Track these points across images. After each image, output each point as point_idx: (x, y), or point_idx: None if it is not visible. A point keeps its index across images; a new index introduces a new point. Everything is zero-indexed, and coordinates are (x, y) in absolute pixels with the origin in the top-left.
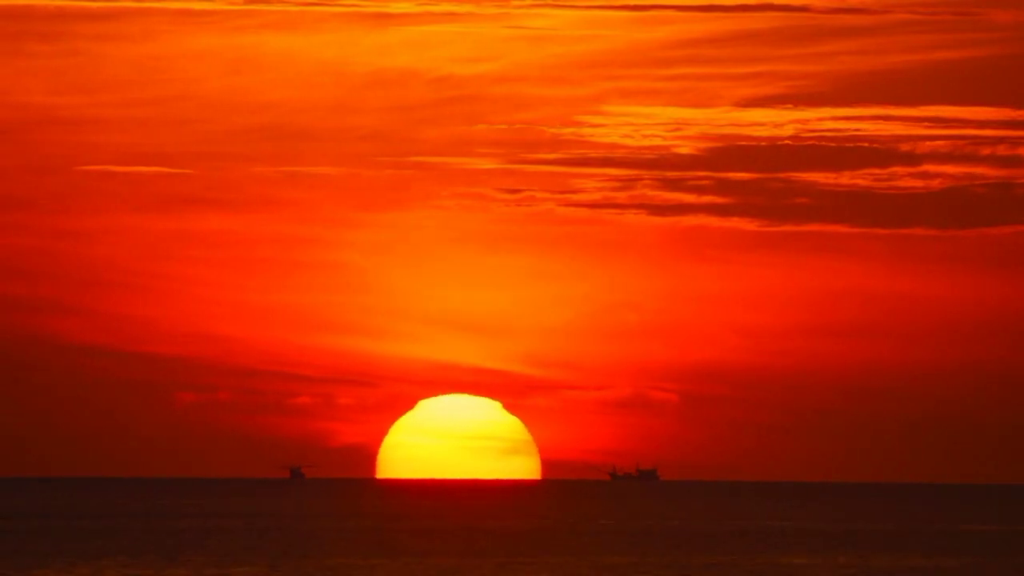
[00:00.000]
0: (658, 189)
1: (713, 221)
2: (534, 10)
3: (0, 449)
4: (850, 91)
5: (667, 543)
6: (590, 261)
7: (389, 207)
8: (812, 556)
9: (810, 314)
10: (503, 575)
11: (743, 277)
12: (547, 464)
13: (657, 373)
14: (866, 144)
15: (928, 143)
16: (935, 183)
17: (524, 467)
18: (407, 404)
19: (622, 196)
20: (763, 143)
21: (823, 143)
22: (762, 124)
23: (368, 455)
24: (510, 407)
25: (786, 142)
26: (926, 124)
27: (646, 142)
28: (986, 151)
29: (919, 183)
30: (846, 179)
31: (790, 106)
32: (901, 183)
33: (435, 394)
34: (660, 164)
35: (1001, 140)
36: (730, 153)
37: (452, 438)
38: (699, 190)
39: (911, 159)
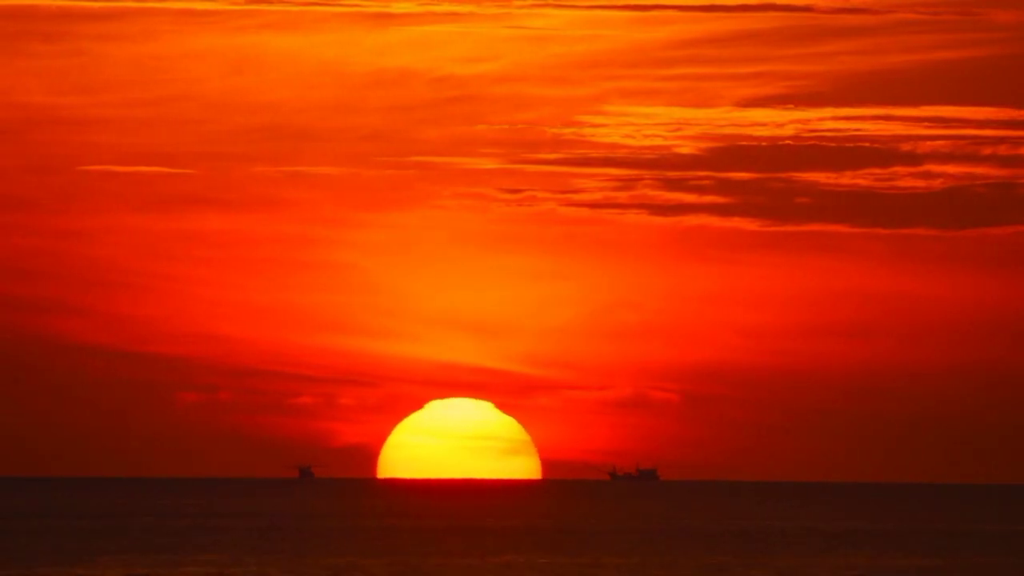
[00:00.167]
0: (659, 189)
1: (714, 221)
2: (535, 10)
3: (2, 449)
4: (851, 91)
5: (667, 543)
6: (591, 261)
7: (390, 207)
8: (812, 556)
9: (811, 314)
10: (503, 575)
11: (744, 277)
12: (547, 464)
13: (658, 373)
14: (867, 144)
15: (929, 143)
16: (936, 183)
17: (524, 467)
18: (408, 404)
19: (623, 196)
20: (764, 143)
21: (824, 143)
22: (763, 124)
23: (369, 455)
24: (511, 407)
25: (787, 142)
26: (927, 124)
27: (647, 142)
28: (987, 151)
29: (920, 183)
30: (847, 179)
31: (791, 106)
32: (902, 183)
33: (437, 393)
34: (661, 164)
35: (1002, 140)
36: (731, 153)
37: (453, 438)
38: (700, 190)
39: (912, 159)
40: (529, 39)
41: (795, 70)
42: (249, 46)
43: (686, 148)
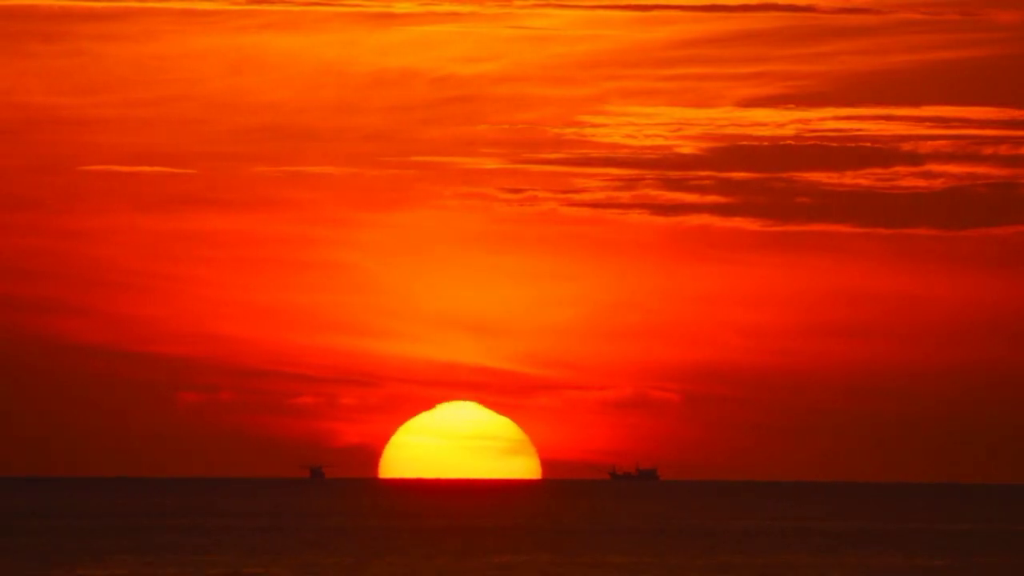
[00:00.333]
0: (660, 189)
1: (715, 221)
2: (536, 10)
3: (4, 449)
4: (852, 91)
5: (666, 543)
6: (592, 261)
7: (391, 207)
8: (812, 555)
9: (812, 314)
10: (503, 575)
11: (745, 277)
12: (548, 464)
13: (659, 373)
14: (868, 144)
15: (930, 143)
16: (937, 183)
17: (524, 467)
18: (409, 403)
19: (624, 196)
20: (765, 143)
21: (825, 143)
22: (764, 124)
23: (371, 455)
24: (511, 407)
25: (788, 142)
26: (928, 124)
27: (648, 142)
28: (988, 151)
29: (921, 183)
30: (848, 179)
31: (792, 106)
32: (903, 183)
33: (438, 393)
34: (662, 164)
35: (1003, 140)
36: (732, 153)
37: (454, 438)
38: (701, 190)
39: (913, 159)
40: (530, 39)
41: (796, 70)
42: (250, 46)
43: (687, 148)
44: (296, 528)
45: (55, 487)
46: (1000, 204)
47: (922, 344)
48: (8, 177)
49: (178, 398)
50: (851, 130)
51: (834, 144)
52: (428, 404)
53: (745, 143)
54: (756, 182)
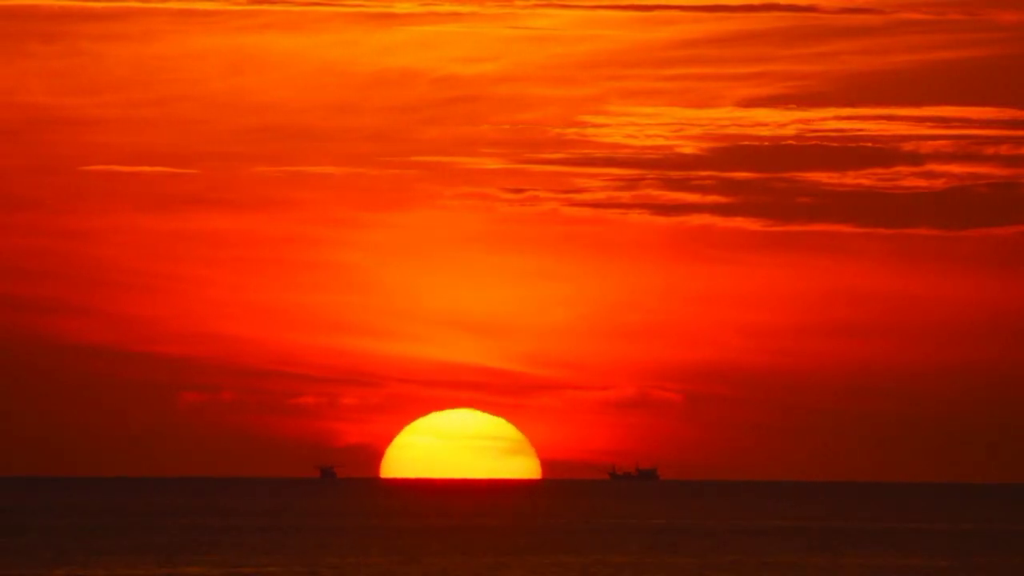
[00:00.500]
0: (661, 189)
1: (716, 221)
2: (537, 10)
3: (7, 448)
4: (853, 91)
5: (666, 542)
6: (593, 261)
7: (393, 207)
8: (812, 555)
9: (813, 314)
10: (502, 574)
11: (746, 277)
12: (549, 464)
13: (660, 373)
14: (869, 144)
15: (931, 143)
16: (939, 183)
17: (524, 467)
18: (410, 403)
19: (626, 196)
20: (766, 143)
21: (826, 143)
22: (765, 124)
23: (372, 455)
24: (513, 407)
25: (789, 142)
26: (929, 124)
27: (649, 142)
28: (989, 151)
29: (923, 183)
30: (850, 179)
31: (793, 106)
32: (905, 183)
33: (439, 393)
34: (663, 164)
35: (1004, 140)
36: (733, 153)
37: (455, 438)
38: (703, 190)
39: (914, 159)
40: (531, 39)
41: (797, 70)
42: (251, 46)
43: (688, 148)
44: (298, 528)
45: (56, 487)
46: (1001, 204)
47: (923, 344)
48: (9, 177)
49: (179, 398)
50: (852, 130)
51: (835, 144)
52: (429, 404)
53: (746, 143)
54: (757, 182)
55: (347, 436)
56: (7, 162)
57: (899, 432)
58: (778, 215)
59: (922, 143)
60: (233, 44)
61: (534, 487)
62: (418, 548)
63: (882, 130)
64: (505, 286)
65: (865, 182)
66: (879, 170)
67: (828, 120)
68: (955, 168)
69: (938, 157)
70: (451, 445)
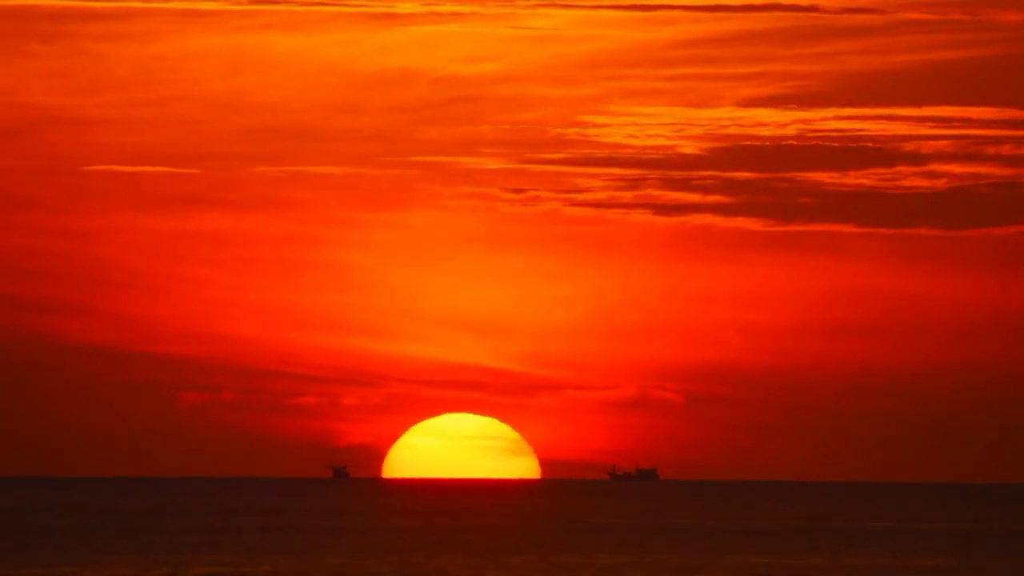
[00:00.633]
0: (663, 189)
1: (718, 221)
2: (538, 10)
3: (7, 448)
4: (854, 91)
5: (666, 542)
6: (595, 261)
7: (393, 207)
8: (813, 555)
9: (814, 314)
10: (502, 574)
11: (747, 277)
12: (548, 464)
13: (661, 373)
14: (871, 144)
15: (932, 143)
16: (940, 183)
17: (524, 467)
18: (411, 403)
19: (627, 196)
20: (768, 143)
21: (828, 143)
22: (766, 124)
23: (373, 455)
24: (513, 407)
25: (791, 142)
26: (931, 124)
27: (650, 142)
28: (991, 151)
29: (924, 183)
30: (851, 179)
31: (794, 106)
32: (906, 183)
33: (440, 393)
34: (665, 164)
35: (1006, 140)
36: (735, 153)
37: (456, 438)
38: (704, 190)
39: (916, 159)
40: (532, 39)
41: (798, 70)
42: (252, 46)
43: (689, 148)
44: (299, 528)
45: (56, 487)
46: (1002, 204)
47: (923, 344)
48: (10, 177)
49: (180, 398)
50: (853, 130)
51: (836, 144)
52: (429, 404)
53: (747, 143)
54: (758, 182)
55: (348, 436)
56: (7, 162)
57: (899, 432)
58: (779, 215)
59: (923, 143)
60: (234, 44)
61: (534, 487)
62: (418, 548)
63: (883, 130)
64: (506, 286)
65: (866, 182)
66: (880, 170)
67: (829, 120)
68: (956, 168)
69: (939, 157)
70: (452, 445)
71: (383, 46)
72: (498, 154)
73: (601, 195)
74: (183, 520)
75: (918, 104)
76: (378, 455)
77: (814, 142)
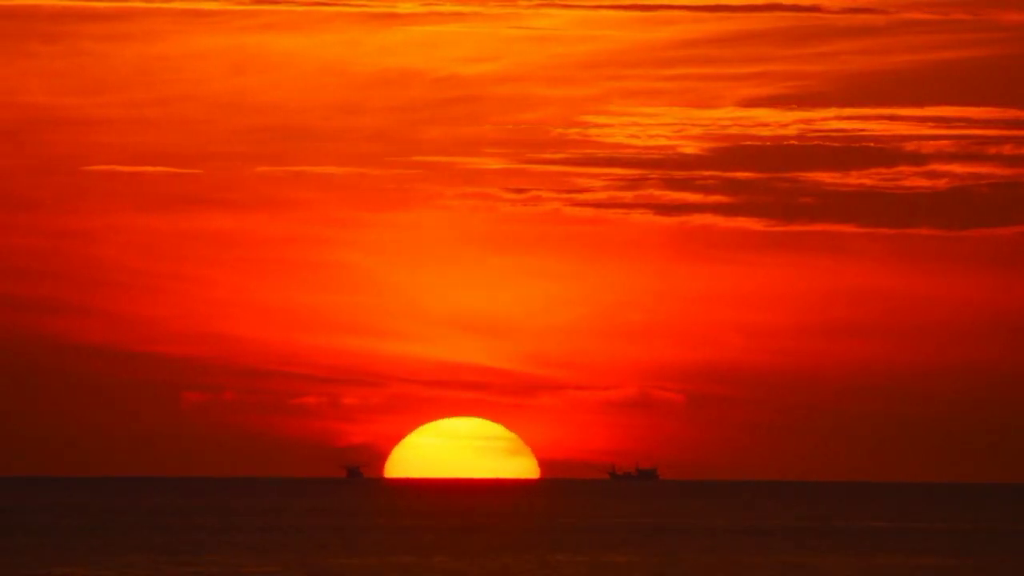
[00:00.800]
0: (664, 189)
1: (719, 221)
2: (539, 10)
3: (9, 448)
4: (855, 91)
5: (666, 542)
6: (595, 261)
7: (394, 207)
8: (812, 555)
9: (815, 314)
10: (502, 575)
11: (748, 277)
12: (548, 464)
13: (662, 373)
14: (871, 144)
15: (934, 143)
16: (941, 183)
17: (524, 467)
18: (412, 404)
19: (628, 196)
20: (768, 143)
21: (829, 143)
22: (767, 124)
23: (374, 455)
24: (514, 407)
25: (792, 142)
26: (932, 124)
27: (652, 142)
28: (992, 151)
29: (925, 183)
30: (852, 179)
31: (795, 106)
32: (907, 183)
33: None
34: (666, 164)
35: (1007, 140)
36: (736, 153)
37: (456, 438)
38: (705, 190)
39: (917, 159)
40: (533, 39)
41: (799, 70)
42: (253, 46)
43: (690, 148)
44: (300, 528)
45: (56, 487)
46: (1003, 204)
47: (924, 344)
48: (10, 177)
49: (181, 398)
50: (854, 130)
51: (837, 144)
52: (431, 404)
53: (748, 143)
54: (759, 182)
55: (349, 436)
56: (8, 162)
57: (899, 432)
58: (780, 215)
59: (924, 143)
60: (235, 44)
61: (534, 487)
62: (418, 548)
63: (884, 130)
64: (507, 286)
65: (867, 182)
66: (881, 170)
67: (830, 120)
68: (957, 168)
69: (940, 157)
70: (453, 445)
71: (384, 46)
72: (499, 154)
73: (602, 195)
74: (183, 520)
75: (919, 104)
76: (380, 455)
77: (815, 142)
